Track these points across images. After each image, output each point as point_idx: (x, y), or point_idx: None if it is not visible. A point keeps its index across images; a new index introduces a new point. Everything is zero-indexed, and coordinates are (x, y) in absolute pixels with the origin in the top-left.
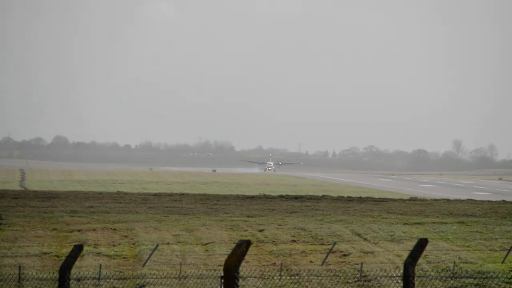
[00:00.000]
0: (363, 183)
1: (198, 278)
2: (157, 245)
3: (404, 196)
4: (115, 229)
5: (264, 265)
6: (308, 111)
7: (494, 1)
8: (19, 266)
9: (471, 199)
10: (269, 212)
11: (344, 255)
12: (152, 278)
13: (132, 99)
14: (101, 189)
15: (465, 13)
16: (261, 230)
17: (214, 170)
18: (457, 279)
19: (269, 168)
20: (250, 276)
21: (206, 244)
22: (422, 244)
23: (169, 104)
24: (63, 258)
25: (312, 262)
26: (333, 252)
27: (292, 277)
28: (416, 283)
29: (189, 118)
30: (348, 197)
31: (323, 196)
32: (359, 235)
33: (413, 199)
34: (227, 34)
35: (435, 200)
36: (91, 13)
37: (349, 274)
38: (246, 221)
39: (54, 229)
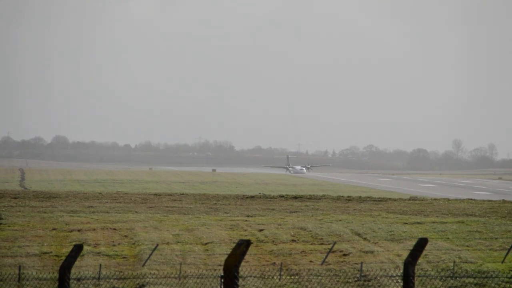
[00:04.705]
0: (362, 182)
1: (198, 277)
2: (157, 245)
3: (403, 196)
4: (115, 229)
5: (264, 265)
6: (308, 110)
7: (494, 3)
8: (19, 266)
9: (471, 199)
10: (269, 211)
11: (344, 254)
12: (152, 277)
13: (131, 99)
14: (100, 189)
15: (464, 14)
16: (261, 230)
17: (213, 170)
18: (457, 278)
19: (298, 173)
20: (250, 276)
21: (206, 243)
22: (422, 243)
23: (168, 103)
24: (63, 258)
25: (312, 261)
26: (333, 252)
27: (292, 277)
28: (416, 282)
29: (188, 118)
30: (348, 196)
31: (323, 195)
32: (359, 234)
33: (413, 199)
34: (224, 32)
35: (435, 199)
36: (87, 13)
37: (349, 273)
38: (246, 220)
39: (54, 229)
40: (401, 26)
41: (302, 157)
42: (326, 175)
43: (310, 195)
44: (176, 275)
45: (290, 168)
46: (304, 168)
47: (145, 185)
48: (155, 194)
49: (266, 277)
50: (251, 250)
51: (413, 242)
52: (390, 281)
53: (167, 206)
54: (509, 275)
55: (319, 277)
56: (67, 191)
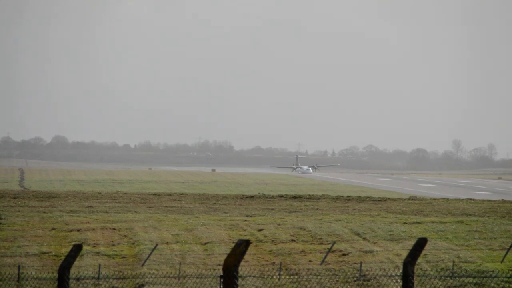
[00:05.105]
0: (362, 182)
1: (197, 277)
2: (157, 245)
3: (403, 196)
4: (114, 229)
5: (263, 265)
6: (308, 111)
7: (494, 3)
8: (19, 266)
9: (471, 199)
10: (269, 211)
11: (343, 254)
12: (151, 277)
13: (131, 99)
14: (100, 189)
15: (464, 14)
16: (261, 230)
17: (213, 170)
18: (457, 278)
19: (305, 173)
20: (250, 276)
21: (205, 243)
22: (421, 243)
23: (168, 103)
24: (62, 257)
25: (312, 261)
26: (332, 252)
27: (292, 277)
28: (416, 282)
29: (188, 118)
30: (348, 196)
31: (323, 195)
32: (358, 234)
33: (412, 199)
34: (224, 32)
35: (434, 199)
36: (87, 13)
37: (348, 273)
38: (245, 220)
39: (53, 228)
40: (401, 26)
41: (303, 157)
42: (326, 175)
43: (309, 195)
44: (176, 275)
45: (298, 168)
46: (310, 169)
47: (144, 185)
48: (155, 194)
49: (265, 276)
50: (251, 249)
51: (413, 242)
52: (389, 280)
53: (166, 206)
54: (508, 275)
55: (319, 277)
56: (66, 191)
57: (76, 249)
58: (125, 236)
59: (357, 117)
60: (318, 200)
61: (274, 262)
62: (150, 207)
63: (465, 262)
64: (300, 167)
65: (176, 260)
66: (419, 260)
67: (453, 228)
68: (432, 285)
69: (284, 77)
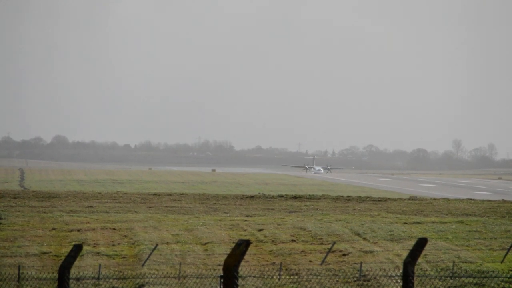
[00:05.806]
0: (362, 182)
1: (197, 277)
2: (157, 245)
3: (403, 196)
4: (114, 229)
5: (263, 265)
6: (308, 110)
7: (494, 3)
8: (19, 266)
9: (471, 199)
10: (269, 211)
11: (344, 254)
12: (151, 277)
13: (131, 99)
14: (100, 189)
15: (465, 13)
16: (261, 230)
17: (213, 170)
18: (457, 278)
19: (317, 173)
20: (250, 276)
21: (205, 243)
22: (421, 243)
23: (168, 103)
24: (63, 257)
25: (312, 261)
26: (333, 252)
27: (292, 277)
28: (416, 282)
29: (188, 118)
30: (348, 196)
31: (323, 195)
32: (358, 234)
33: (413, 199)
34: (223, 32)
35: (435, 199)
36: (87, 13)
37: (349, 273)
38: (245, 220)
39: (54, 228)
40: (401, 25)
41: (301, 157)
42: (327, 175)
43: (309, 195)
44: (176, 275)
45: (311, 169)
46: (322, 169)
47: (144, 185)
48: (155, 194)
49: (265, 277)
50: (251, 250)
51: (413, 242)
52: (389, 281)
53: (166, 206)
54: (508, 275)
55: (319, 277)
56: (66, 191)
57: (76, 249)
58: (125, 236)
59: (357, 117)
60: (318, 200)
61: (274, 262)
62: (150, 207)
63: (465, 262)
64: (313, 168)
65: (176, 260)
66: (419, 260)
67: (453, 228)
68: (432, 285)
69: (284, 76)
